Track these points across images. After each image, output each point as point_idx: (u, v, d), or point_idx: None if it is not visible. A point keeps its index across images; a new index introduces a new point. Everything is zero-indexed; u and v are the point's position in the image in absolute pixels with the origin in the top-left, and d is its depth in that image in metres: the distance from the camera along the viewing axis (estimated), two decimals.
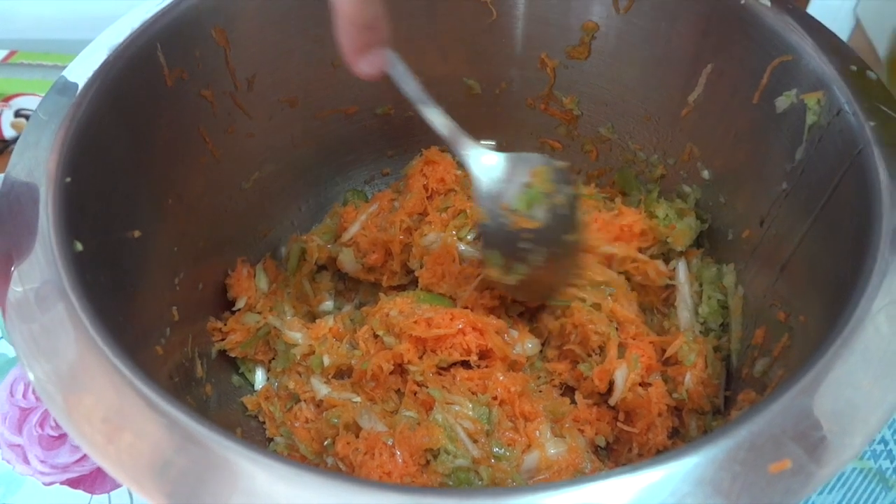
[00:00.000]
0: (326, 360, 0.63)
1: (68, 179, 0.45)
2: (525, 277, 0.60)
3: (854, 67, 0.50)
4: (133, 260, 0.52)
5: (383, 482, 0.47)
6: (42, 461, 0.64)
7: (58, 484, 0.63)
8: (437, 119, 0.54)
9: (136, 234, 0.52)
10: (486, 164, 0.57)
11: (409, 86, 0.53)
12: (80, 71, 0.51)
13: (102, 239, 0.47)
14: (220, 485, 0.33)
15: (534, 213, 0.57)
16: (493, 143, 0.58)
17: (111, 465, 0.34)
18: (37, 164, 0.45)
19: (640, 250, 0.67)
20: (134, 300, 0.50)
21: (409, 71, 0.52)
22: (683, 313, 0.64)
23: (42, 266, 0.41)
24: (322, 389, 0.62)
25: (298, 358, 0.65)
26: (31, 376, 0.37)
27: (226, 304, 0.69)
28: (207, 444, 0.35)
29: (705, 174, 0.65)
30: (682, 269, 0.66)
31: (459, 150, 0.56)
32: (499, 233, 0.57)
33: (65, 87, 0.50)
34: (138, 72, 0.53)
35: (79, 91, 0.49)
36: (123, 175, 0.52)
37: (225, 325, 0.67)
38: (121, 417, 0.35)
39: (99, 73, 0.50)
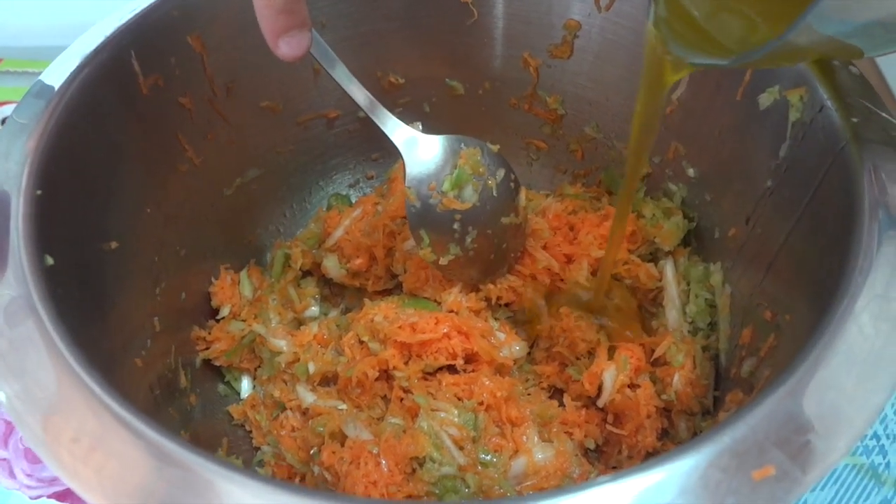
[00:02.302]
0: (312, 368, 0.62)
1: (39, 192, 0.44)
2: (459, 258, 0.61)
3: (836, 62, 0.50)
4: (110, 271, 0.51)
5: (366, 498, 0.46)
6: (28, 475, 0.63)
7: (44, 498, 0.62)
8: (361, 98, 0.56)
9: (113, 245, 0.52)
10: (415, 146, 0.58)
11: (337, 70, 0.54)
12: (55, 76, 0.50)
13: (76, 252, 0.46)
14: None
15: (463, 194, 0.58)
16: (420, 124, 0.60)
17: (86, 489, 0.33)
18: (7, 177, 0.44)
19: (629, 251, 0.67)
20: (111, 312, 0.49)
21: (334, 54, 0.53)
22: (671, 313, 0.63)
23: (10, 281, 0.40)
24: (308, 397, 0.61)
25: (283, 366, 0.64)
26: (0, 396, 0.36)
27: (210, 313, 0.69)
28: (187, 465, 0.34)
29: (691, 172, 0.64)
30: (669, 268, 0.65)
31: (389, 134, 0.57)
32: (427, 214, 0.59)
33: (42, 90, 0.49)
34: (111, 80, 0.53)
35: (50, 101, 0.48)
36: (98, 186, 0.51)
37: (209, 333, 0.66)
38: (94, 439, 0.34)
39: (70, 83, 0.49)
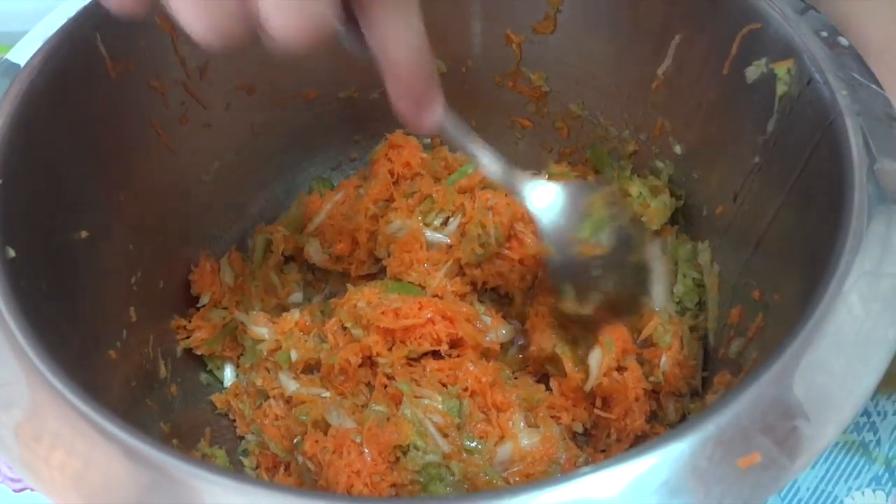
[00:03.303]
0: (294, 355, 0.61)
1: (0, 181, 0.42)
2: (601, 305, 0.57)
3: (825, 33, 0.49)
4: (81, 262, 0.50)
5: (345, 495, 0.45)
6: (11, 468, 0.62)
7: (28, 490, 0.62)
8: (488, 159, 0.51)
9: (83, 234, 0.50)
10: (544, 198, 0.54)
11: (461, 131, 0.49)
12: (19, 59, 0.49)
13: (42, 243, 0.45)
14: None
15: (600, 238, 0.55)
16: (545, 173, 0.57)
17: (49, 489, 0.32)
18: None
19: None
20: (82, 304, 0.48)
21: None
22: (658, 293, 0.62)
23: None
24: (290, 385, 0.60)
25: (265, 353, 0.63)
26: None
27: (190, 301, 0.67)
28: (160, 466, 0.33)
29: (677, 149, 0.63)
30: (656, 248, 0.64)
31: (516, 188, 0.53)
32: (570, 265, 0.55)
33: (7, 69, 0.48)
34: (77, 65, 0.51)
35: (12, 84, 0.47)
36: (66, 174, 0.49)
37: (189, 322, 0.65)
38: (56, 437, 0.33)
39: (32, 69, 0.47)
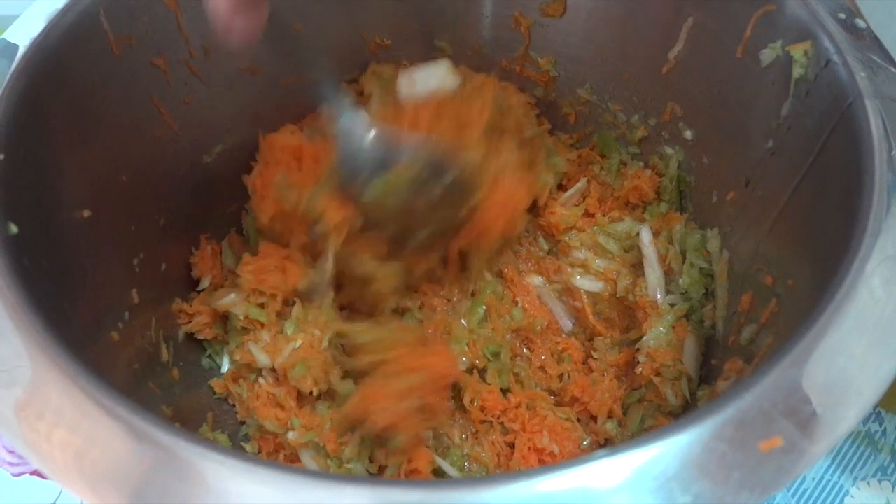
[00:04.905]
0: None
1: (1, 156, 0.41)
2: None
3: (843, 15, 0.48)
4: (83, 241, 0.49)
5: (349, 477, 0.45)
6: (10, 452, 0.62)
7: (27, 474, 0.61)
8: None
9: (86, 213, 0.49)
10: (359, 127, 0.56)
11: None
12: (20, 35, 0.48)
13: (44, 220, 0.44)
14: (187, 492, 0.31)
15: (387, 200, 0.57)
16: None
17: (51, 467, 0.32)
18: None
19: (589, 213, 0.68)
20: (84, 284, 0.47)
21: None
22: (651, 278, 0.62)
23: None
24: (262, 358, 0.60)
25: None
26: None
27: (192, 284, 0.66)
28: (164, 444, 0.32)
29: (688, 134, 0.62)
30: (645, 233, 0.64)
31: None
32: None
33: (5, 49, 0.47)
34: (80, 40, 0.50)
35: (14, 60, 0.46)
36: (68, 151, 0.49)
37: (190, 306, 0.64)
38: (58, 415, 0.33)
39: (36, 44, 0.47)
